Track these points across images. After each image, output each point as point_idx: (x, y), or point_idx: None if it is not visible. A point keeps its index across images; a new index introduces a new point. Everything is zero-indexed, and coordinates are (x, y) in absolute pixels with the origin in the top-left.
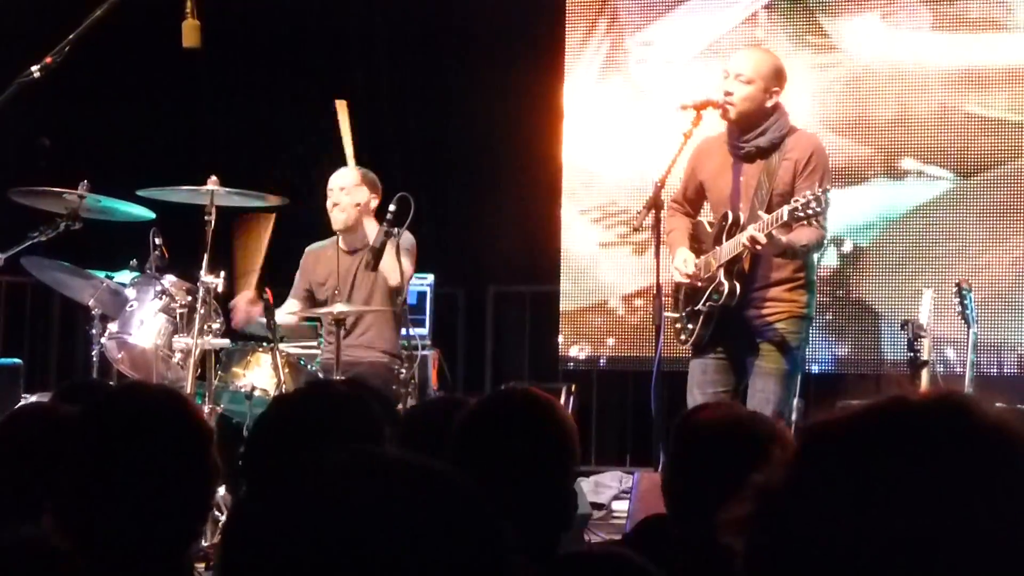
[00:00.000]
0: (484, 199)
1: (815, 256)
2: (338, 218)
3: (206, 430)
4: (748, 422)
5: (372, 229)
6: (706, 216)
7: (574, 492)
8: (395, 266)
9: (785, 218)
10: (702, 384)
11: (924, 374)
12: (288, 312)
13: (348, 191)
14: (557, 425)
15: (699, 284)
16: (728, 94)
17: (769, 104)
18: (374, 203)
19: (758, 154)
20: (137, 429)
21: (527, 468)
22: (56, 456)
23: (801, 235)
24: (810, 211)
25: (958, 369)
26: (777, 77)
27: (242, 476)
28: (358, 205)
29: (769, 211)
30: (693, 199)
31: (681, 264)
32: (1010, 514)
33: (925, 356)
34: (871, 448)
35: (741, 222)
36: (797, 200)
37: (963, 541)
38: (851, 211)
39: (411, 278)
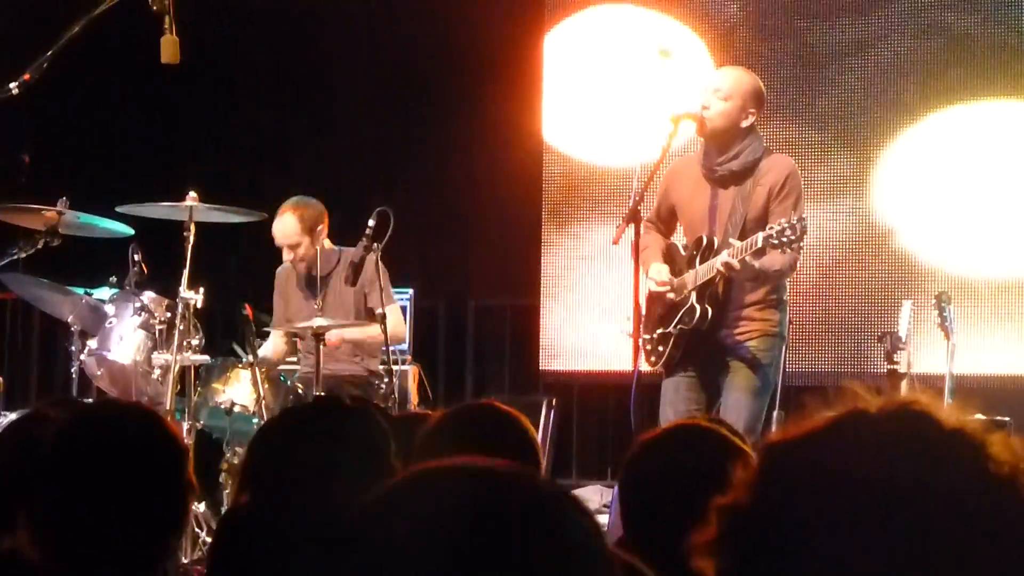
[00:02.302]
0: (464, 212)
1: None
2: (299, 265)
3: (179, 447)
4: (697, 442)
5: (330, 247)
6: (679, 238)
7: None
8: (400, 321)
9: (760, 245)
10: (675, 403)
11: (903, 385)
12: (273, 350)
13: (294, 244)
14: (518, 438)
15: (672, 298)
16: (705, 108)
17: (744, 124)
18: (322, 229)
19: (732, 179)
20: (109, 445)
21: None
22: (31, 470)
23: (774, 260)
24: (784, 239)
25: (938, 382)
26: (755, 98)
27: (245, 482)
28: (308, 244)
29: (743, 236)
30: (667, 219)
31: (656, 274)
32: (970, 518)
33: (904, 368)
34: (831, 461)
35: (716, 246)
36: (772, 227)
37: (927, 546)
38: (829, 223)
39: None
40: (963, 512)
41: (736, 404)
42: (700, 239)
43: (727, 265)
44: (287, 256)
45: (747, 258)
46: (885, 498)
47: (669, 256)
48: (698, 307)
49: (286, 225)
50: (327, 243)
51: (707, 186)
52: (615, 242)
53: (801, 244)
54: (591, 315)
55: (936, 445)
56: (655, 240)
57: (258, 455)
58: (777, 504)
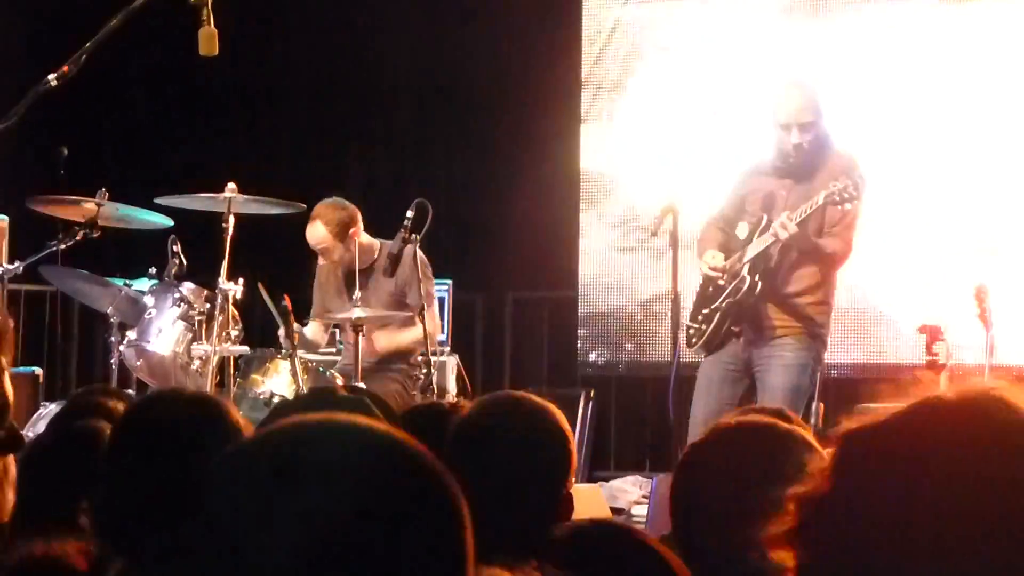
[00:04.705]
0: (502, 204)
1: (835, 276)
2: (333, 262)
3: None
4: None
5: (368, 242)
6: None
7: (569, 497)
8: (434, 325)
9: (821, 202)
10: (707, 396)
11: (942, 377)
12: (312, 336)
13: (325, 249)
14: (548, 430)
15: (722, 281)
16: (798, 146)
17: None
18: (354, 231)
19: (801, 170)
20: (172, 435)
21: (519, 474)
22: (92, 459)
23: (828, 242)
24: (847, 195)
25: (976, 373)
26: (822, 104)
27: None
28: (342, 249)
29: (802, 223)
30: (731, 217)
31: (710, 259)
32: None
33: (943, 359)
34: (913, 448)
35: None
36: (834, 184)
37: (1007, 533)
38: (870, 211)
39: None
40: None
41: (772, 401)
42: (760, 218)
43: (783, 224)
44: (322, 260)
45: (808, 225)
46: (964, 485)
47: (727, 246)
48: (748, 278)
49: (316, 233)
50: (365, 237)
51: (775, 176)
52: (653, 234)
53: (860, 199)
54: (629, 307)
55: (1014, 433)
56: (714, 234)
57: None
58: (857, 491)
